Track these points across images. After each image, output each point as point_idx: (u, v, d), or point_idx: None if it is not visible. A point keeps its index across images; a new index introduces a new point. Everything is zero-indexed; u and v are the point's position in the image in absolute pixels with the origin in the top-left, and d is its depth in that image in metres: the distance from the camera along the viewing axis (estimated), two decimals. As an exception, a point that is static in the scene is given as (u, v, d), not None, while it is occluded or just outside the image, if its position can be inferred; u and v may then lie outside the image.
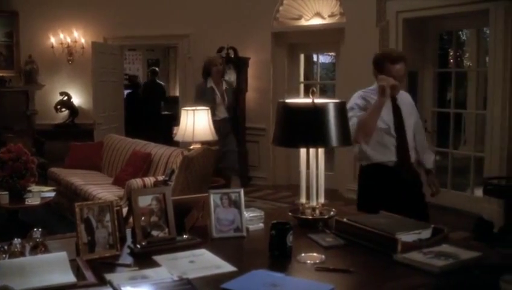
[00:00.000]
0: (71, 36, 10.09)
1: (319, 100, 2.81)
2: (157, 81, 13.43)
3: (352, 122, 3.67)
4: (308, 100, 2.79)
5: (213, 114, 6.72)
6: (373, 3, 7.78)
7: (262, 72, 9.24)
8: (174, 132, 8.87)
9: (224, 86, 7.65)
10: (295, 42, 9.34)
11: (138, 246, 2.47)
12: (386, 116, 3.93)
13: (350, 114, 3.60)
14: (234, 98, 7.94)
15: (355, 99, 4.08)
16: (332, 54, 10.46)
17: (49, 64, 10.10)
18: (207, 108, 6.46)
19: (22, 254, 2.33)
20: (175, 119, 10.48)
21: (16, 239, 2.39)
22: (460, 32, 8.88)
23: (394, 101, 4.01)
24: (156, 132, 10.71)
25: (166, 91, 13.98)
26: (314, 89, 2.92)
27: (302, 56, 9.56)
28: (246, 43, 9.13)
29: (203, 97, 7.27)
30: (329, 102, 2.81)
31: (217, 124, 6.83)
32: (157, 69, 14.00)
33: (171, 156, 6.45)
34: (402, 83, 4.03)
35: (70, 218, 2.37)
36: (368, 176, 4.07)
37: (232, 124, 7.97)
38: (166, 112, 13.25)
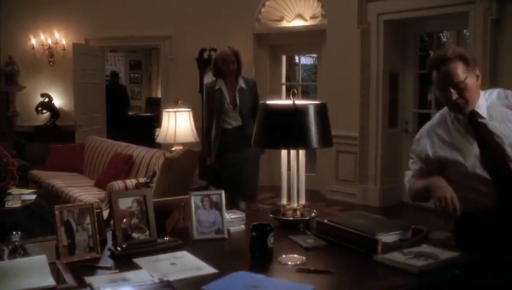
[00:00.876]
0: (52, 37, 10.02)
1: (300, 102, 2.82)
2: (120, 83, 13.36)
3: (407, 178, 2.95)
4: (289, 102, 2.80)
5: (221, 121, 5.60)
6: (354, 5, 7.82)
7: (245, 73, 9.08)
8: (157, 133, 8.86)
9: (239, 85, 5.62)
10: (277, 44, 9.35)
11: (119, 248, 2.46)
12: (467, 150, 2.64)
13: (410, 160, 2.97)
14: (254, 101, 5.62)
15: (422, 137, 2.91)
16: (314, 55, 10.49)
17: (30, 66, 10.03)
18: (208, 114, 5.68)
19: (0, 258, 2.31)
20: (157, 121, 10.45)
21: (-6, 242, 2.37)
22: (441, 34, 8.93)
23: (474, 120, 2.65)
24: (137, 134, 10.66)
25: (128, 94, 13.86)
26: (295, 91, 2.93)
27: (284, 57, 9.57)
28: (228, 44, 9.10)
29: (208, 101, 5.72)
30: (310, 103, 2.82)
31: (225, 135, 5.61)
32: (116, 71, 13.89)
33: (152, 157, 6.42)
34: (473, 92, 2.64)
35: (52, 221, 2.35)
36: (460, 227, 2.77)
37: (250, 134, 6.04)
38: (148, 114, 13.22)
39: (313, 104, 2.82)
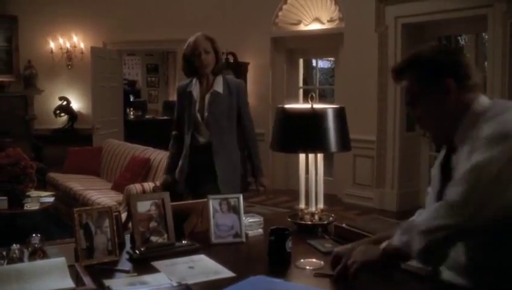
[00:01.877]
0: (70, 41, 10.09)
1: (318, 105, 2.81)
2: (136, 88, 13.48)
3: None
4: (307, 105, 2.79)
5: (192, 136, 4.17)
6: (372, 8, 7.80)
7: (262, 77, 9.24)
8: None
9: (214, 88, 4.09)
10: (294, 47, 9.35)
11: (137, 251, 2.46)
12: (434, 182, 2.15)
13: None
14: (237, 110, 4.19)
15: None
16: (332, 59, 10.47)
17: (49, 69, 10.10)
18: (175, 121, 4.34)
19: (20, 259, 2.32)
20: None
21: (14, 245, 2.38)
22: (459, 38, 8.89)
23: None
24: (154, 137, 10.70)
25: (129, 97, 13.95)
26: (313, 95, 2.92)
27: (301, 61, 9.57)
28: (245, 48, 9.14)
29: (177, 105, 4.33)
30: (328, 107, 2.81)
31: (194, 154, 4.17)
32: (135, 80, 14.02)
33: (170, 161, 6.43)
34: (432, 120, 1.98)
35: (69, 223, 2.36)
36: None
37: (222, 159, 4.18)
38: (165, 117, 13.25)
39: (332, 108, 2.81)
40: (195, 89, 4.13)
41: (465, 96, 1.86)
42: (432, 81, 1.89)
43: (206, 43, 4.06)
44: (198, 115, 4.10)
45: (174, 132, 4.37)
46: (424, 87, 1.91)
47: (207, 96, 4.09)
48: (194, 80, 4.16)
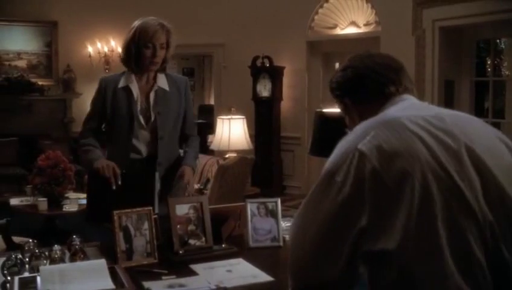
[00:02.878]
0: (108, 45, 10.22)
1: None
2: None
3: None
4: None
5: (124, 147, 3.25)
6: (409, 11, 7.73)
7: (297, 81, 9.23)
8: (209, 140, 8.93)
9: (158, 85, 3.29)
10: (330, 51, 9.31)
11: (175, 254, 2.48)
12: None
13: None
14: (183, 112, 3.40)
15: None
16: (368, 62, 10.40)
17: (87, 73, 10.23)
18: (86, 124, 3.40)
19: (61, 260, 2.37)
20: (210, 128, 10.54)
21: (56, 245, 2.43)
22: (498, 41, 8.74)
23: None
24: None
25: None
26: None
27: (337, 65, 9.49)
28: (281, 52, 9.14)
29: (95, 104, 3.36)
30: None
31: (130, 171, 3.15)
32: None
33: (206, 164, 6.47)
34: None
35: (107, 225, 2.39)
36: None
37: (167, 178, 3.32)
38: (201, 121, 13.33)
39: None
40: (134, 85, 3.25)
41: (370, 111, 1.70)
42: (341, 104, 1.84)
43: (163, 37, 3.25)
44: (141, 118, 3.21)
45: (85, 139, 3.31)
46: (342, 112, 1.86)
47: (151, 95, 3.24)
48: (128, 74, 3.28)
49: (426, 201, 1.41)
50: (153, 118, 3.22)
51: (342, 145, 1.56)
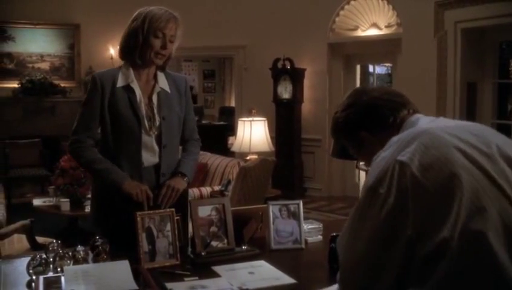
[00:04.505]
0: (130, 47, 10.27)
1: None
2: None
3: None
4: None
5: (126, 152, 2.87)
6: (431, 13, 7.68)
7: (319, 83, 9.23)
8: (230, 142, 8.96)
9: (160, 86, 2.94)
10: (351, 53, 9.30)
11: (198, 256, 2.49)
12: None
13: None
14: (184, 115, 3.05)
15: None
16: (389, 64, 10.36)
17: None
18: (80, 125, 2.91)
19: (85, 260, 2.39)
20: (230, 130, 10.56)
21: (79, 246, 2.45)
22: (521, 43, 8.67)
23: None
24: (210, 142, 10.79)
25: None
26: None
27: (358, 67, 9.50)
28: (302, 54, 9.14)
29: (88, 104, 2.89)
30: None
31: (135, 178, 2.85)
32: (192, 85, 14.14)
33: (227, 166, 6.49)
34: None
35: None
36: None
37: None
38: (221, 122, 13.36)
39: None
40: (135, 84, 2.88)
41: (388, 136, 1.72)
42: (354, 140, 1.87)
43: (174, 29, 2.88)
44: (146, 123, 2.86)
45: (79, 144, 2.90)
46: (354, 147, 1.89)
47: (154, 97, 2.91)
48: (125, 70, 2.89)
49: (471, 201, 1.45)
50: (157, 123, 2.88)
51: (380, 161, 1.60)
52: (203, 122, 13.66)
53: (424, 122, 1.73)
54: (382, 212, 1.51)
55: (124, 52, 2.90)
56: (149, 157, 2.88)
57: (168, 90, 2.96)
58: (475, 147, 1.56)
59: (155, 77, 2.94)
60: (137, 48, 2.81)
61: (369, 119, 1.81)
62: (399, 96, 1.86)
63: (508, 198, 1.48)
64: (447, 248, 1.42)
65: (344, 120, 1.86)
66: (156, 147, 2.89)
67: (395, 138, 1.65)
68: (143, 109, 2.86)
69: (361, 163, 1.98)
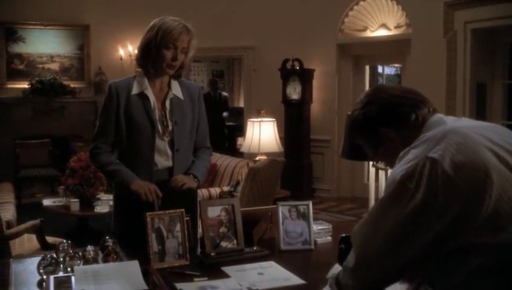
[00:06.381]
0: (139, 48, 10.29)
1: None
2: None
3: None
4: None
5: (141, 157, 2.97)
6: (440, 13, 7.66)
7: (327, 83, 9.22)
8: (239, 142, 8.97)
9: (173, 93, 3.03)
10: (360, 54, 9.28)
11: (207, 256, 2.50)
12: None
13: None
14: (197, 122, 3.12)
15: None
16: (398, 65, 10.34)
17: (118, 76, 10.13)
18: (99, 134, 3.07)
19: (95, 260, 2.40)
20: (239, 130, 10.57)
21: (89, 246, 2.47)
22: (532, 43, 8.63)
23: None
24: (219, 142, 10.80)
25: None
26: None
27: (367, 68, 9.48)
28: (311, 55, 9.14)
29: (106, 112, 3.03)
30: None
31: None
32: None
33: (236, 167, 6.49)
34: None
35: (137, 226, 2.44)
36: None
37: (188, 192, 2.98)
38: (230, 123, 13.38)
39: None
40: (150, 92, 2.99)
41: (412, 135, 1.74)
42: (373, 138, 1.84)
43: (186, 41, 2.97)
44: (160, 128, 2.96)
45: (97, 149, 3.04)
46: (371, 145, 1.88)
47: (167, 103, 3.00)
48: (140, 79, 3.02)
49: (501, 198, 1.50)
50: (170, 128, 2.97)
51: (410, 156, 1.61)
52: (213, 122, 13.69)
53: (450, 121, 1.74)
54: (408, 207, 1.54)
55: (139, 61, 3.02)
56: (163, 161, 2.97)
57: (181, 97, 3.04)
58: (502, 146, 1.59)
59: (169, 84, 3.04)
60: (150, 58, 2.93)
61: (390, 116, 1.79)
62: (418, 95, 1.86)
63: None
64: (477, 244, 1.48)
65: (363, 117, 1.84)
66: (169, 151, 2.97)
67: (425, 135, 1.66)
68: (156, 113, 2.96)
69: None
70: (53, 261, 2.30)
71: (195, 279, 2.28)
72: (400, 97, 1.82)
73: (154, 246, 2.44)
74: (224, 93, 13.93)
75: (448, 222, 1.50)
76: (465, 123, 1.74)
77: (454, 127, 1.66)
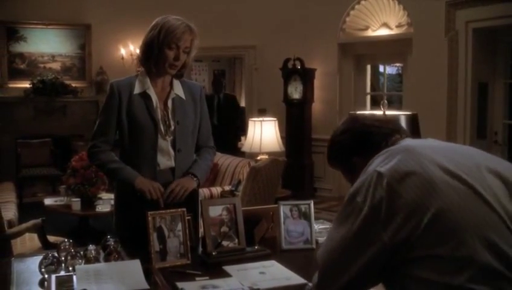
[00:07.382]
0: (140, 48, 10.29)
1: (389, 112, 2.79)
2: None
3: None
4: (379, 112, 2.77)
5: (143, 156, 2.95)
6: (442, 13, 7.65)
7: (329, 83, 9.22)
8: (240, 142, 8.97)
9: (175, 92, 3.01)
10: (362, 53, 9.28)
11: (208, 255, 2.50)
12: None
13: None
14: (199, 121, 3.11)
15: None
16: (400, 64, 10.33)
17: (119, 75, 10.11)
18: (98, 133, 3.01)
19: (96, 259, 2.40)
20: (241, 130, 10.55)
21: (90, 245, 2.47)
22: (533, 43, 8.62)
23: None
24: (220, 142, 10.76)
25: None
26: (386, 101, 2.90)
27: (368, 67, 9.48)
28: (313, 55, 9.14)
29: (107, 111, 3.00)
30: (401, 114, 2.78)
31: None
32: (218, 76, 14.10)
33: (237, 166, 6.50)
34: None
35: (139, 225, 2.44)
36: None
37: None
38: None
39: (404, 114, 2.78)
40: (152, 91, 2.97)
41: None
42: (347, 166, 1.92)
43: (189, 41, 2.94)
44: (162, 127, 2.94)
45: (96, 148, 3.00)
46: (347, 172, 1.95)
47: (169, 102, 2.98)
48: (142, 78, 2.99)
49: (447, 205, 1.50)
50: (172, 128, 2.95)
51: (363, 172, 1.67)
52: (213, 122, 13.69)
53: (411, 141, 1.77)
54: (357, 221, 1.58)
55: (142, 60, 2.98)
56: (165, 161, 2.95)
57: (183, 97, 3.02)
58: (458, 162, 1.60)
59: (171, 84, 3.02)
60: (153, 58, 2.90)
61: (361, 146, 1.84)
62: (392, 124, 1.90)
63: (494, 211, 1.52)
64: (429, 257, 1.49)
65: (339, 146, 1.92)
66: (172, 151, 2.96)
67: (381, 153, 1.70)
68: (159, 113, 2.94)
69: None
70: (54, 260, 2.30)
71: (197, 278, 2.27)
72: (371, 126, 1.86)
73: (156, 246, 2.44)
74: (232, 94, 13.86)
75: (394, 232, 1.51)
76: (425, 143, 1.77)
77: (409, 145, 1.70)
